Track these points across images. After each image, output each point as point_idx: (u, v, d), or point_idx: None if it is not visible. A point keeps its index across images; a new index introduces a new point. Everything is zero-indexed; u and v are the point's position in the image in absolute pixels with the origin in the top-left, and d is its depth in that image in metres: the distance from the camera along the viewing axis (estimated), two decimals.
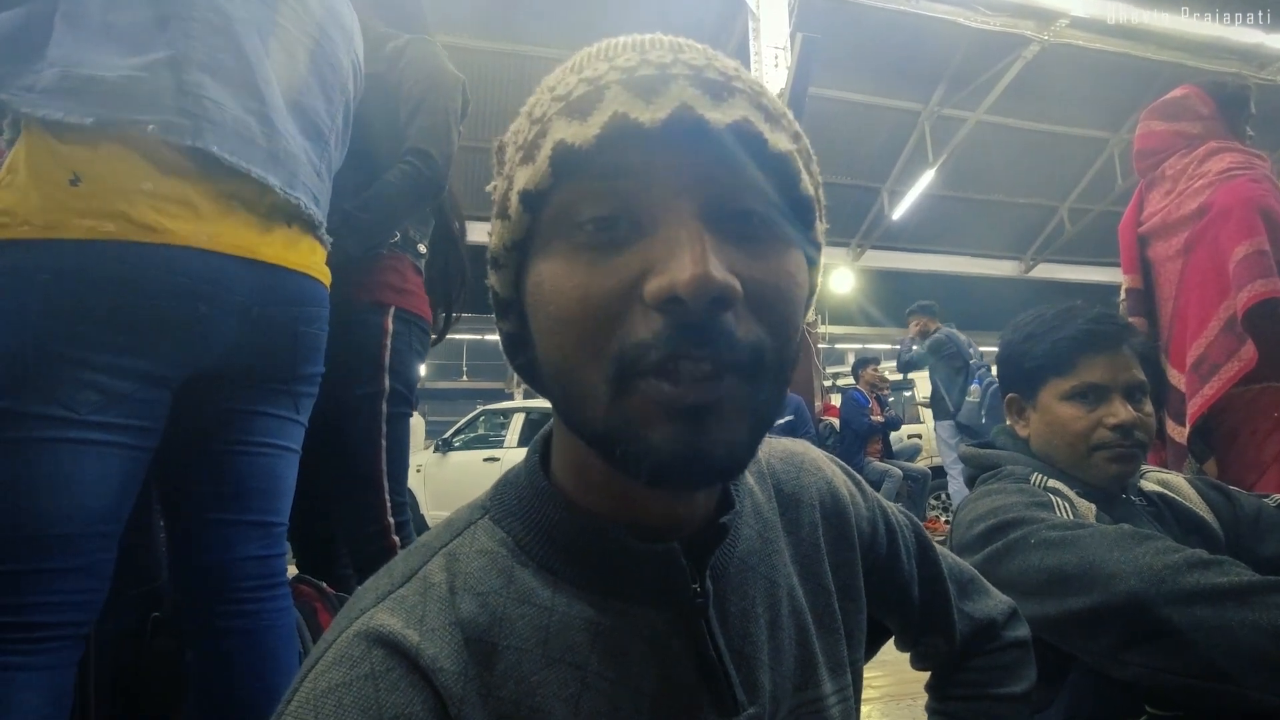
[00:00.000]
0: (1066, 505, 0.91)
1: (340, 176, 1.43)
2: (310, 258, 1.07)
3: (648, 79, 0.38)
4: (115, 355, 0.86)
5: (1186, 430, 1.65)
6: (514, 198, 0.40)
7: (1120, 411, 0.96)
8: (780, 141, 0.39)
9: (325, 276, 1.11)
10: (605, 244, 0.38)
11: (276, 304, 1.00)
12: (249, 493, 1.01)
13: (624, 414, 0.37)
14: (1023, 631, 0.70)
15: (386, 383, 1.40)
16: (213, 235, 0.92)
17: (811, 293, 0.44)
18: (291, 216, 1.03)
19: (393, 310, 1.43)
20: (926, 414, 7.09)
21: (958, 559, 0.70)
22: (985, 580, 0.71)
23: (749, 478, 0.53)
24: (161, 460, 0.95)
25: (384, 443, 1.41)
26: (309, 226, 1.06)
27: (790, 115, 0.43)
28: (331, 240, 1.14)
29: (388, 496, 1.41)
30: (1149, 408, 0.99)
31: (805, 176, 0.41)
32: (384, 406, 1.40)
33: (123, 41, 0.89)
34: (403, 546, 1.39)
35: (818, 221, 0.43)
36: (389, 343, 1.41)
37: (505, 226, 0.41)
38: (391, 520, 1.40)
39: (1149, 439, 0.98)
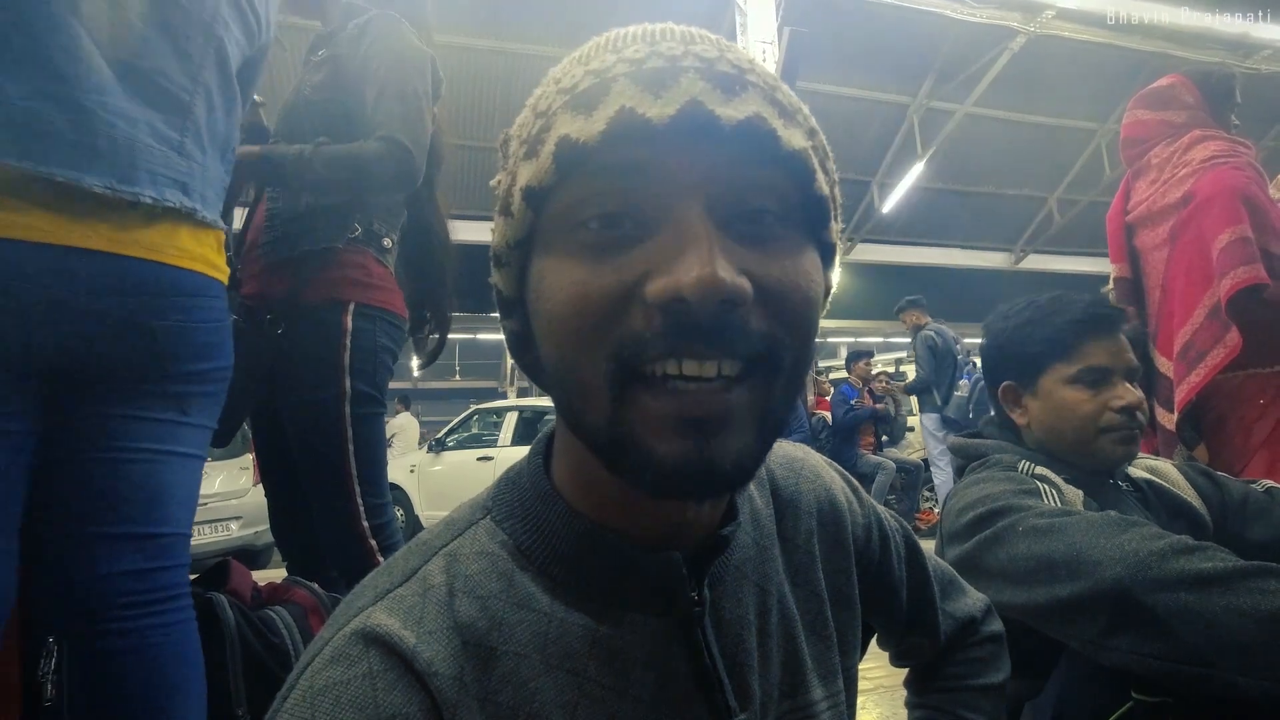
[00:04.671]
0: (1054, 492, 0.92)
1: None
2: (168, 242, 0.91)
3: (656, 71, 0.36)
4: None
5: (1175, 417, 1.67)
6: (517, 194, 0.39)
7: (1126, 394, 0.98)
8: (794, 139, 0.38)
9: (199, 264, 0.96)
10: (609, 243, 0.36)
11: (109, 294, 0.86)
12: (123, 502, 0.90)
13: (628, 423, 0.36)
14: (998, 626, 0.72)
15: (347, 384, 1.34)
16: None
17: (826, 293, 0.43)
18: (131, 205, 0.87)
19: (353, 306, 1.36)
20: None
21: (939, 559, 0.71)
22: (962, 580, 0.72)
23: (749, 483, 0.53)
24: (37, 477, 0.87)
25: (351, 446, 1.35)
26: (169, 213, 0.91)
27: (806, 110, 0.41)
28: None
29: (359, 500, 1.35)
30: (1140, 391, 1.01)
31: (820, 175, 0.39)
32: (346, 409, 1.34)
33: None
34: (383, 547, 1.37)
35: (832, 221, 0.42)
36: (348, 342, 1.34)
37: (508, 224, 0.40)
38: (367, 524, 1.35)
39: (1146, 421, 1.00)
